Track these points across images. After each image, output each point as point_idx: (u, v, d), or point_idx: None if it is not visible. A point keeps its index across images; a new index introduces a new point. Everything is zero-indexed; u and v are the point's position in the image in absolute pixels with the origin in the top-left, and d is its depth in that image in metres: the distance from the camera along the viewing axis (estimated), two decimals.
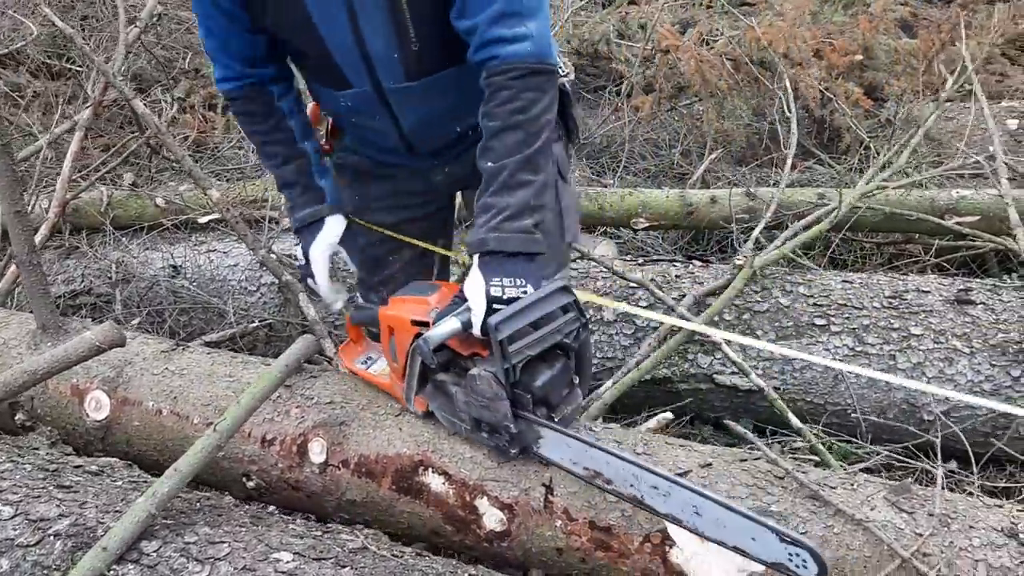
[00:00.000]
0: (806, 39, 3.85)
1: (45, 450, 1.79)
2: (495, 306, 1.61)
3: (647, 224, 3.59)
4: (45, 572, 1.41)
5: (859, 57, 4.26)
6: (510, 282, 1.64)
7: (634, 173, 4.19)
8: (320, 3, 1.70)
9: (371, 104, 1.87)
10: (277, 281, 2.90)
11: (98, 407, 2.05)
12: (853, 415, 2.52)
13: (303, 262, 2.04)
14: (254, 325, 3.03)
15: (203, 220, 3.16)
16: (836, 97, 4.04)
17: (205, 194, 2.86)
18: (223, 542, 1.46)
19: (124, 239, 3.36)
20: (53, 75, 5.29)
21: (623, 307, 2.35)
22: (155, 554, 1.43)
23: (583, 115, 4.67)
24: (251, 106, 1.95)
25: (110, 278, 3.27)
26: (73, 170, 2.52)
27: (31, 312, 2.24)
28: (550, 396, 1.66)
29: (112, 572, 1.39)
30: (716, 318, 2.67)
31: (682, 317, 2.57)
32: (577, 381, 1.73)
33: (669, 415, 2.37)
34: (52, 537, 1.46)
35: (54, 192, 2.72)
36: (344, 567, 1.42)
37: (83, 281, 3.35)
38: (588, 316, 1.72)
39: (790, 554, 1.33)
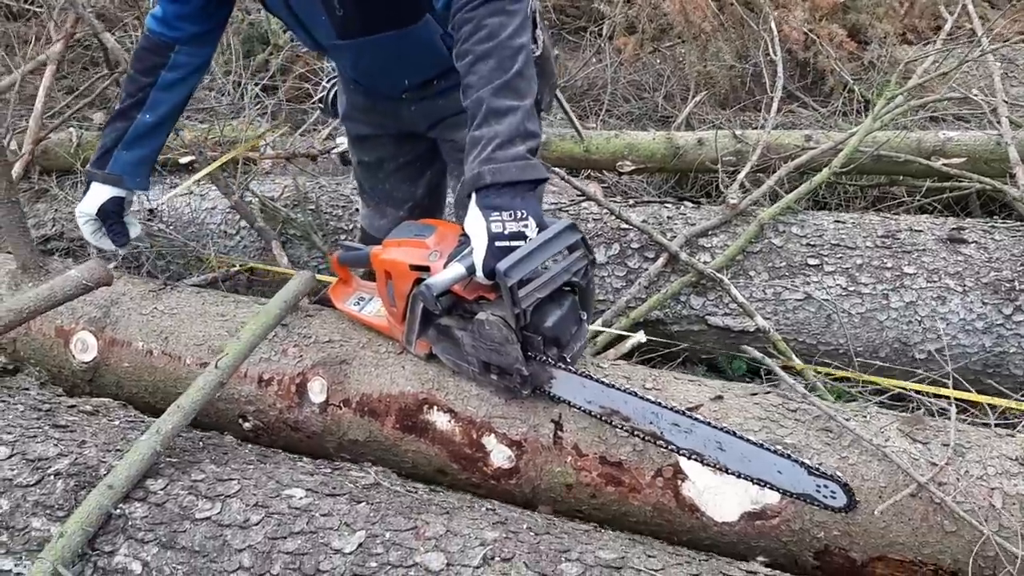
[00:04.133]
0: None
1: (36, 391, 1.72)
2: (497, 243, 1.53)
3: (633, 167, 3.55)
4: (48, 512, 1.36)
5: None
6: (510, 215, 1.55)
7: (617, 116, 4.13)
8: None
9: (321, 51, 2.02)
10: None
11: (84, 348, 1.98)
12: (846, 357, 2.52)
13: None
14: (235, 269, 2.95)
15: (184, 160, 3.05)
16: (820, 39, 4.00)
17: (177, 136, 2.76)
18: (231, 479, 1.42)
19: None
20: (14, 16, 5.09)
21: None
22: (162, 492, 1.38)
23: (563, 57, 4.59)
24: (144, 54, 2.01)
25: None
26: (45, 106, 2.40)
27: (8, 253, 2.15)
28: (560, 336, 1.61)
29: (119, 510, 1.34)
30: (709, 258, 2.66)
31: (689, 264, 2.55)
32: (584, 317, 1.70)
33: (642, 337, 2.33)
34: (52, 476, 1.40)
35: (24, 133, 2.59)
36: (359, 502, 1.38)
37: (54, 225, 3.24)
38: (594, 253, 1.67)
39: (818, 486, 1.32)
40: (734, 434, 1.39)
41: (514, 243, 1.52)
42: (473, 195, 1.58)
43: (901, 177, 3.47)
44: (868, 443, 1.52)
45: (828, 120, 3.85)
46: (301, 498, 1.38)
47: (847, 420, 1.61)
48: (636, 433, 1.54)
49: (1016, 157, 2.75)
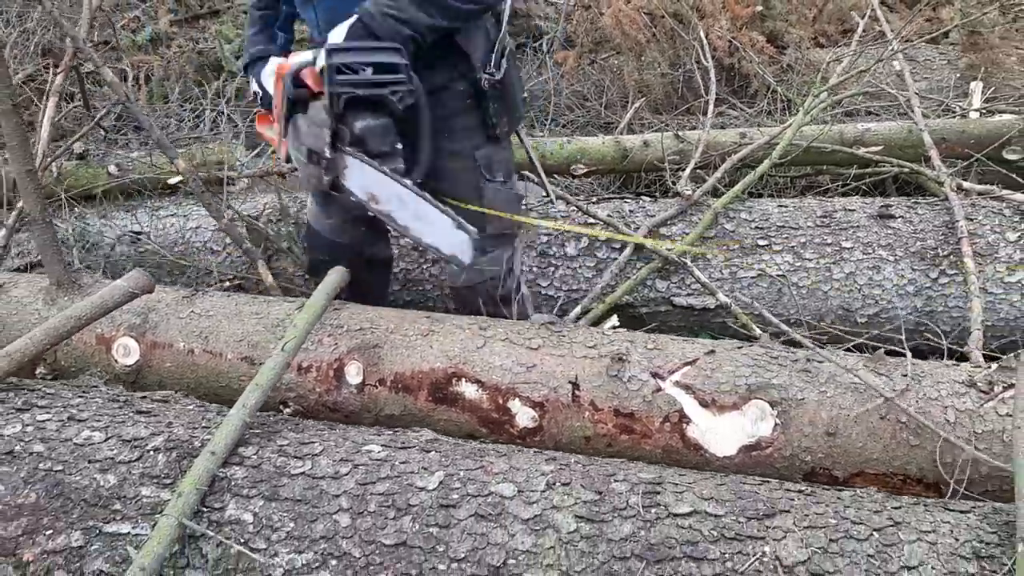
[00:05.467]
0: None
1: (104, 387, 1.88)
2: (344, 44, 1.84)
3: (585, 170, 3.83)
4: (155, 481, 1.54)
5: (759, 8, 4.61)
6: (362, 43, 1.86)
7: (563, 124, 4.42)
8: None
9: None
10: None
11: (127, 352, 2.14)
12: (797, 325, 2.84)
13: (260, 92, 2.19)
14: (227, 286, 3.12)
15: (172, 181, 3.20)
16: (743, 46, 4.37)
17: (172, 163, 2.92)
18: (313, 443, 1.62)
19: (78, 208, 3.36)
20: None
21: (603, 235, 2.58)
22: (255, 456, 1.58)
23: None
24: None
25: (68, 248, 3.27)
26: (50, 135, 2.55)
27: (38, 272, 2.29)
28: (368, 141, 1.86)
29: (221, 473, 1.53)
30: (671, 245, 2.95)
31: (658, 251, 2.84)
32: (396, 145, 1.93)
33: (615, 321, 2.64)
34: (152, 452, 1.58)
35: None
36: (428, 452, 1.60)
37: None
38: (416, 84, 1.91)
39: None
40: (424, 198, 1.85)
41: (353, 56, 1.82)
42: (354, 16, 1.89)
43: (826, 166, 3.84)
44: (844, 369, 1.81)
45: (756, 119, 4.21)
46: (379, 452, 1.59)
47: (820, 363, 1.90)
48: (377, 212, 1.92)
49: (930, 142, 3.12)
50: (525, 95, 2.55)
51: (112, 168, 3.33)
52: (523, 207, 2.50)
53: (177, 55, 4.22)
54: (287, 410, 2.08)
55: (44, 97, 2.67)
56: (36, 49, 4.58)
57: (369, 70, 1.82)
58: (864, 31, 3.95)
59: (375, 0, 1.89)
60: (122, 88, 2.65)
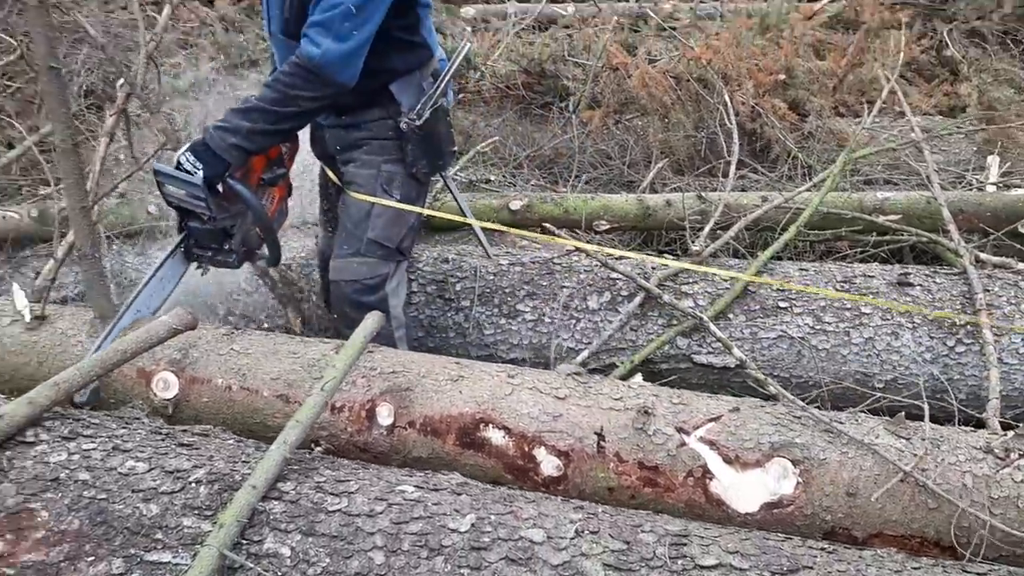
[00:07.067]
0: (741, 58, 4.28)
1: (146, 419, 1.94)
2: (180, 164, 2.32)
3: (608, 226, 3.92)
4: (196, 512, 1.59)
5: (782, 77, 4.73)
6: (193, 158, 2.31)
7: (586, 182, 4.52)
8: None
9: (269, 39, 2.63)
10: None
11: (166, 387, 2.21)
12: (816, 387, 2.88)
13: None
14: (265, 327, 3.19)
15: None
16: (765, 112, 4.48)
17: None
18: (349, 480, 1.67)
19: (116, 245, 3.45)
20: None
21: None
22: (293, 492, 1.63)
23: (529, 128, 4.99)
24: None
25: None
26: (100, 174, 2.65)
27: (81, 306, 2.37)
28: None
29: (260, 507, 1.58)
30: (692, 302, 3.02)
31: (696, 312, 2.90)
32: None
33: (639, 379, 2.70)
34: (193, 484, 1.64)
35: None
36: (459, 495, 1.65)
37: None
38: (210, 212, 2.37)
39: None
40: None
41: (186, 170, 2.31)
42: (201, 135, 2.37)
43: (845, 231, 3.91)
44: (860, 442, 1.86)
45: (776, 184, 4.30)
46: (412, 492, 1.64)
47: (842, 424, 1.95)
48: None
49: (948, 215, 3.20)
50: (455, 149, 2.85)
51: (152, 208, 3.43)
52: (408, 234, 2.75)
53: (217, 102, 4.35)
54: (318, 448, 2.13)
55: (94, 138, 2.77)
56: (80, 90, 4.75)
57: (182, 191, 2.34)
58: (884, 103, 4.04)
59: (217, 119, 2.38)
60: (174, 135, 2.76)
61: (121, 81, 2.64)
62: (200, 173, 2.30)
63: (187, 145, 2.36)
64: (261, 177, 2.55)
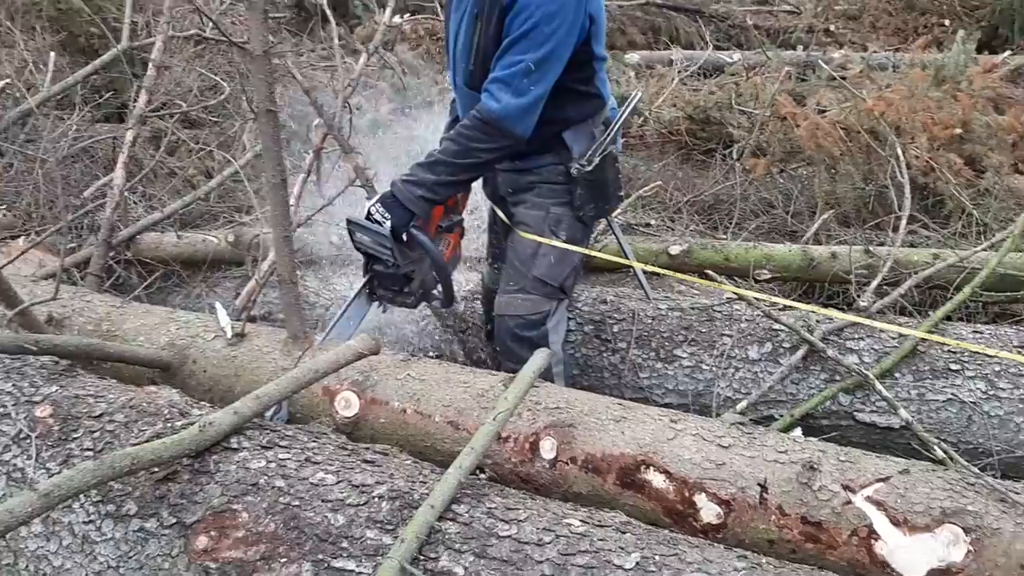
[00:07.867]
0: (916, 110, 4.18)
1: (332, 435, 2.10)
2: (371, 215, 2.53)
3: (770, 276, 3.90)
4: (379, 525, 1.71)
5: (958, 131, 4.58)
6: (383, 209, 2.51)
7: (747, 230, 4.50)
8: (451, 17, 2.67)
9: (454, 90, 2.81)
10: None
11: (347, 406, 2.37)
12: (986, 455, 2.77)
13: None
14: (432, 355, 3.35)
15: None
16: (939, 167, 4.35)
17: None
18: (518, 508, 1.76)
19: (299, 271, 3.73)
20: (191, 123, 5.75)
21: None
22: (467, 515, 1.73)
23: (690, 174, 5.03)
24: None
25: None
26: (297, 206, 2.90)
27: (276, 326, 2.58)
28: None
29: (437, 526, 1.69)
30: (857, 359, 2.96)
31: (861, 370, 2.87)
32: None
33: (799, 434, 2.67)
34: (377, 499, 1.77)
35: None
36: (624, 533, 1.71)
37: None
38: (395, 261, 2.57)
39: None
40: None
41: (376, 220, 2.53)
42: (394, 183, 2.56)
43: (1022, 294, 3.73)
44: None
45: (949, 240, 4.15)
46: (578, 526, 1.71)
47: (1017, 493, 1.89)
48: None
49: None
50: (621, 194, 2.93)
51: (334, 238, 3.69)
52: (571, 274, 2.84)
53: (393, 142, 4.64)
54: (483, 475, 2.23)
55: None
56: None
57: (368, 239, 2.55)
58: None
59: (404, 173, 2.56)
60: (363, 173, 2.98)
61: (318, 121, 2.86)
62: (388, 223, 2.50)
63: (377, 197, 2.56)
64: (439, 225, 2.73)
